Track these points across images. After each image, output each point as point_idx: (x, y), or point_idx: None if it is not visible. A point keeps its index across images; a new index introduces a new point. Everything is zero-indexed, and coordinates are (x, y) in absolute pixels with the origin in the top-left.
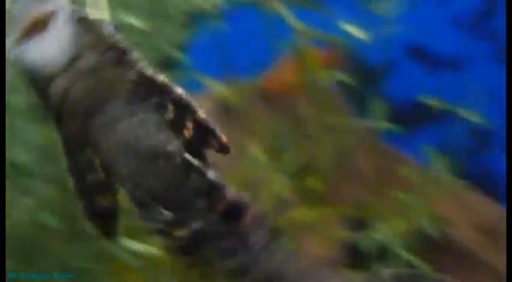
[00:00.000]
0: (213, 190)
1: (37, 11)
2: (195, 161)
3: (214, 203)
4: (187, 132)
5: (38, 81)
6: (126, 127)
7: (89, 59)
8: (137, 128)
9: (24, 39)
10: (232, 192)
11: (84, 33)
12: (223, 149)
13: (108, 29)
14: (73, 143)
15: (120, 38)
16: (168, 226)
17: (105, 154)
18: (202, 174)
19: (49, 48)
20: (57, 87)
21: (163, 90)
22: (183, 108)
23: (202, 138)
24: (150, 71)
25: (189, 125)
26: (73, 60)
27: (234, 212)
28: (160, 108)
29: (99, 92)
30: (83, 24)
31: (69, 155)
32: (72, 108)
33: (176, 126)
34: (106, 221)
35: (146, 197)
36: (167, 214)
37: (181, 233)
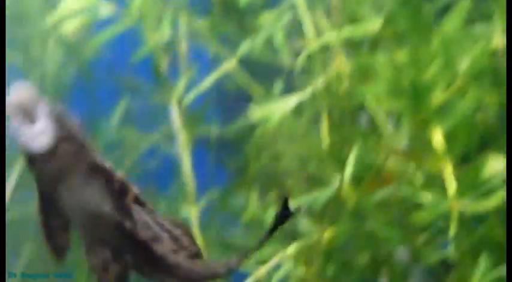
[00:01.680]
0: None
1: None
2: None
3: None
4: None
5: (27, 156)
6: (81, 194)
7: (61, 148)
8: (89, 196)
9: (17, 122)
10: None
11: (59, 128)
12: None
13: (77, 125)
14: (47, 196)
15: (82, 132)
16: (105, 262)
17: (66, 208)
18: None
19: (35, 137)
20: (39, 162)
21: (108, 174)
22: (122, 186)
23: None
24: (99, 159)
25: (130, 197)
26: (51, 147)
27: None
28: (103, 184)
29: (66, 168)
30: (58, 121)
31: (43, 202)
32: (48, 176)
33: (116, 198)
34: (60, 251)
35: (93, 240)
36: (106, 252)
37: (114, 268)
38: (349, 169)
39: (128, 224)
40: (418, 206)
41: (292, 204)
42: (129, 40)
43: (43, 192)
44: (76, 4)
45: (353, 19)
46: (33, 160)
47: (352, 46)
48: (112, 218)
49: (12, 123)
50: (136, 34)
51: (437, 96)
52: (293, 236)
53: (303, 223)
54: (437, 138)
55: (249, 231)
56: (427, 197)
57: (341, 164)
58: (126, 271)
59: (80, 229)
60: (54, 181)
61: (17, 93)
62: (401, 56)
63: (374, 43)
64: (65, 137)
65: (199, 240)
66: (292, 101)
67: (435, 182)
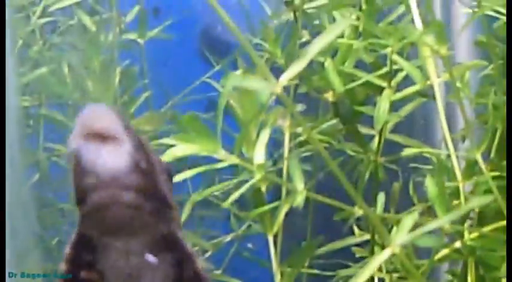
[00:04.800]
0: None
1: (105, 125)
2: None
3: None
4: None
5: (81, 183)
6: (134, 262)
7: (131, 195)
8: (142, 269)
9: (85, 141)
10: None
11: (136, 171)
12: None
13: (164, 177)
14: (86, 245)
15: (168, 189)
16: None
17: (107, 272)
18: None
19: (103, 161)
20: (94, 198)
21: (183, 255)
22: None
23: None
24: (180, 234)
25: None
26: (119, 184)
27: None
28: (172, 266)
29: (127, 223)
30: (140, 162)
31: (77, 250)
32: (98, 221)
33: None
34: None
35: None
36: None
37: None
38: None
39: None
40: None
41: None
42: None
43: (83, 237)
44: None
45: None
46: (90, 189)
47: None
48: None
49: (79, 142)
50: None
51: None
52: None
53: None
54: None
55: None
56: None
57: None
58: None
59: None
60: (106, 231)
61: (94, 115)
62: None
63: None
64: (145, 171)
65: None
66: None
67: None
